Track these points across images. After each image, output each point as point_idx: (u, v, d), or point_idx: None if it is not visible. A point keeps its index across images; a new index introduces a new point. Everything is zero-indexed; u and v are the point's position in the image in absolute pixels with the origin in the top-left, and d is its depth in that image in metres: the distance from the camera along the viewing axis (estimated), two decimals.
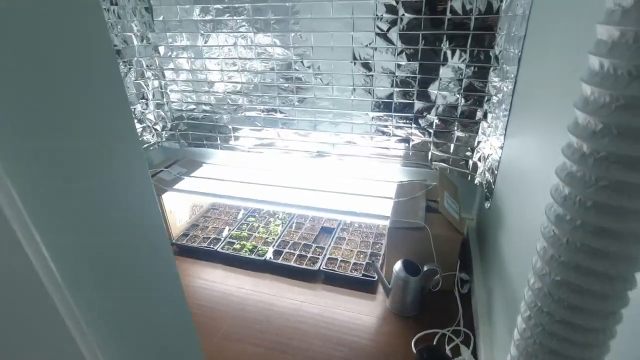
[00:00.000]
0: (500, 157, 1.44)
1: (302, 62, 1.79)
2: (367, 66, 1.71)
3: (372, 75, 1.72)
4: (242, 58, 1.87)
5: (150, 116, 2.17)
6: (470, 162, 1.76)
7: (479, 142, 1.70)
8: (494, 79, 1.53)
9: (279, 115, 1.97)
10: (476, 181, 1.75)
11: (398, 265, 1.48)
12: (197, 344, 0.81)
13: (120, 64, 1.92)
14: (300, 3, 1.65)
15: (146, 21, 1.93)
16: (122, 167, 0.54)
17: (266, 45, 1.80)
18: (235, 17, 1.78)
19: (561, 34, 0.88)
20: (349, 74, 1.75)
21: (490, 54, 1.50)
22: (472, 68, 1.56)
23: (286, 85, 1.88)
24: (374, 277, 1.63)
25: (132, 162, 0.56)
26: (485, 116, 1.63)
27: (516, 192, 1.17)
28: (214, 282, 1.71)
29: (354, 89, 1.78)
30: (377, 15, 1.58)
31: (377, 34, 1.62)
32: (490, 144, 1.60)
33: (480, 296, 1.44)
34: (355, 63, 1.72)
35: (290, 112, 1.94)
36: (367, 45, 1.66)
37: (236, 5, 1.74)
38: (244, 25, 1.78)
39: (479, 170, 1.72)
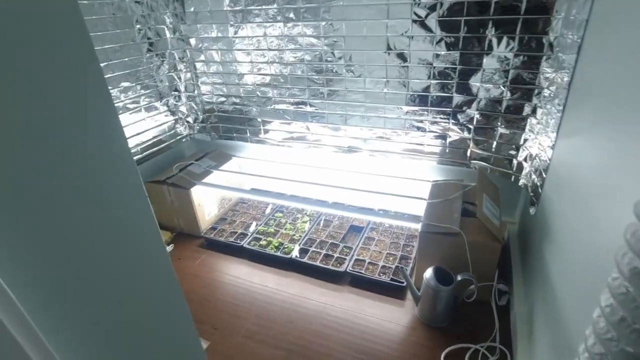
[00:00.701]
0: (550, 159, 1.28)
1: (332, 52, 1.70)
2: (402, 56, 1.59)
3: (407, 67, 1.60)
4: (272, 49, 1.81)
5: (183, 108, 2.18)
6: (515, 162, 1.59)
7: (525, 140, 1.53)
8: (546, 69, 1.36)
9: (308, 109, 1.90)
10: (520, 183, 1.59)
11: (429, 273, 1.38)
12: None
13: (154, 56, 1.93)
14: None
15: (178, 13, 1.92)
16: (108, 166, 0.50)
17: (296, 36, 1.73)
18: (264, 7, 1.71)
19: (637, 16, 0.73)
20: (383, 65, 1.64)
21: (544, 40, 1.33)
22: (521, 57, 1.40)
23: (316, 77, 1.80)
24: (402, 283, 1.54)
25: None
26: (534, 111, 1.46)
27: (570, 202, 1.03)
28: (239, 278, 1.70)
29: (388, 81, 1.67)
30: (414, 0, 1.45)
31: (413, 21, 1.49)
32: (538, 143, 1.44)
33: (520, 311, 1.31)
34: (389, 53, 1.60)
35: (320, 105, 1.87)
36: (402, 34, 1.54)
37: None
38: (273, 15, 1.72)
39: (525, 171, 1.56)
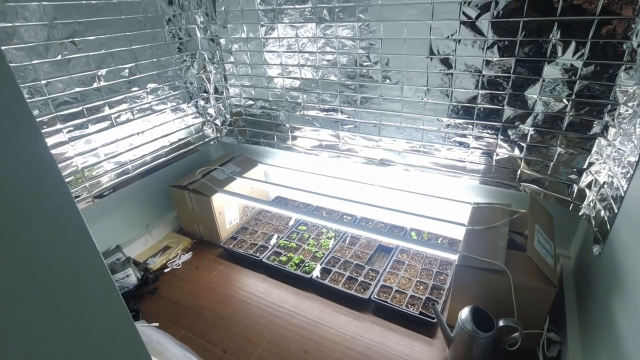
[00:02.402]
0: (626, 190, 1.05)
1: (368, 56, 1.55)
2: (446, 62, 1.40)
3: (452, 74, 1.41)
4: (303, 51, 1.69)
5: (211, 110, 2.11)
6: (575, 188, 1.36)
7: (590, 164, 1.30)
8: (625, 82, 1.13)
9: (340, 116, 1.76)
10: (581, 213, 1.36)
11: (465, 313, 1.19)
12: None
13: (184, 57, 1.88)
14: None
15: (209, 12, 1.85)
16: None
17: (330, 37, 1.59)
18: (297, 6, 1.59)
19: None
20: (424, 71, 1.46)
21: (624, 47, 1.10)
22: (592, 67, 1.17)
23: (349, 82, 1.65)
24: (433, 318, 1.36)
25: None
26: (604, 131, 1.23)
27: None
28: (256, 295, 1.59)
29: (428, 90, 1.49)
30: None
31: (462, 22, 1.31)
32: (609, 169, 1.21)
33: None
34: (432, 58, 1.42)
35: (352, 113, 1.72)
36: (448, 37, 1.36)
37: None
38: (306, 15, 1.59)
39: (587, 200, 1.33)
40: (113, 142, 1.63)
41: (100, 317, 0.51)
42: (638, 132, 1.01)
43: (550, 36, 1.20)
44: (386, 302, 1.44)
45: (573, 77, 1.22)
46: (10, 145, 0.38)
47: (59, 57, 1.39)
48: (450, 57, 1.39)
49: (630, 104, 1.10)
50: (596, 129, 1.25)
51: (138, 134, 1.72)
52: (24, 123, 0.38)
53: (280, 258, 1.71)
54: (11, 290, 0.40)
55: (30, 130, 0.39)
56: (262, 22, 1.72)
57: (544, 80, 1.27)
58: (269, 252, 1.76)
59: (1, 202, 0.37)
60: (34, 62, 1.32)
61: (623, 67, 1.12)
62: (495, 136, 1.45)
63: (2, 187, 0.37)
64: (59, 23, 1.36)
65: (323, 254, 1.72)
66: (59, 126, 1.43)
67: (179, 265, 1.80)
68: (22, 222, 0.40)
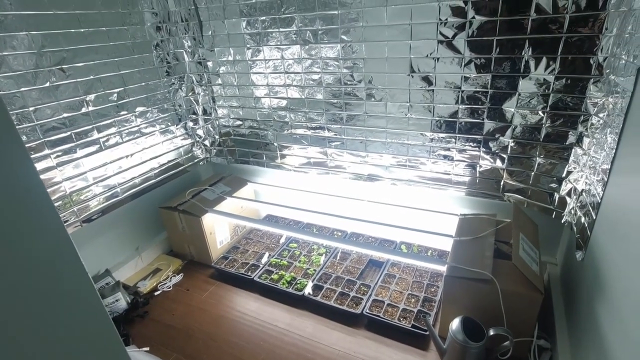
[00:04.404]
0: (602, 197, 1.09)
1: (352, 75, 1.60)
2: (427, 79, 1.46)
3: (433, 90, 1.47)
4: (289, 72, 1.74)
5: (200, 132, 2.14)
6: (556, 196, 1.41)
7: (569, 173, 1.35)
8: (594, 94, 1.19)
9: (327, 134, 1.80)
10: (563, 220, 1.40)
11: (456, 324, 1.20)
12: None
13: (172, 80, 1.91)
14: (351, 10, 1.47)
15: (196, 36, 1.90)
16: None
17: (314, 58, 1.64)
18: (282, 29, 1.65)
19: None
20: (406, 88, 1.52)
21: (591, 61, 1.16)
22: (564, 80, 1.24)
23: (335, 101, 1.70)
24: (425, 331, 1.37)
25: None
26: (579, 141, 1.28)
27: (631, 253, 0.85)
28: (248, 315, 1.58)
29: (411, 106, 1.54)
30: (440, 19, 1.33)
31: (440, 41, 1.37)
32: (586, 177, 1.25)
33: None
34: (413, 76, 1.48)
35: (339, 131, 1.76)
36: (427, 56, 1.42)
37: (283, 15, 1.61)
38: (291, 37, 1.65)
39: (569, 208, 1.37)
40: (102, 165, 1.63)
41: (91, 342, 0.52)
42: (609, 141, 1.06)
43: (523, 53, 1.26)
44: (378, 316, 1.44)
45: (547, 91, 1.28)
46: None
47: (48, 84, 1.40)
48: (431, 74, 1.44)
49: (600, 115, 1.16)
50: (572, 138, 1.30)
51: (127, 156, 1.73)
52: (13, 150, 0.40)
53: (272, 276, 1.71)
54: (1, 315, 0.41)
55: (19, 156, 0.41)
56: (248, 45, 1.77)
57: (519, 94, 1.33)
58: (260, 270, 1.75)
59: None
60: (22, 89, 1.33)
61: (591, 80, 1.18)
62: (477, 149, 1.50)
63: None
64: (47, 51, 1.39)
65: (314, 270, 1.72)
66: (46, 151, 1.43)
67: (170, 287, 1.78)
68: (11, 247, 0.41)
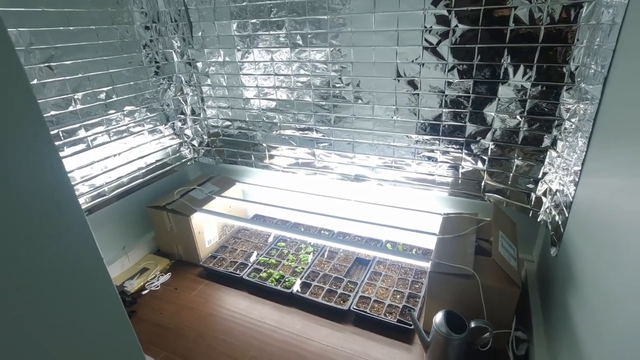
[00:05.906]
0: (573, 197, 1.17)
1: (340, 78, 1.65)
2: (412, 84, 1.52)
3: (418, 94, 1.53)
4: (278, 74, 1.77)
5: (188, 132, 2.14)
6: (533, 196, 1.49)
7: (544, 174, 1.43)
8: (567, 100, 1.27)
9: (315, 135, 1.84)
10: (539, 219, 1.48)
11: (439, 317, 1.26)
12: None
13: (160, 80, 1.91)
14: (340, 15, 1.52)
15: (186, 37, 1.91)
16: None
17: (303, 61, 1.68)
18: (272, 32, 1.68)
19: None
20: (392, 92, 1.57)
21: (564, 70, 1.25)
22: (539, 87, 1.31)
23: (323, 103, 1.74)
24: (410, 325, 1.42)
25: None
26: (554, 144, 1.36)
27: (598, 248, 0.92)
28: (237, 313, 1.60)
29: (397, 109, 1.60)
30: (425, 27, 1.40)
31: (425, 47, 1.43)
32: (560, 177, 1.34)
33: None
34: (399, 80, 1.54)
35: (327, 132, 1.80)
36: (413, 61, 1.48)
37: (273, 19, 1.64)
38: (280, 40, 1.68)
39: (544, 207, 1.45)
40: (88, 164, 1.62)
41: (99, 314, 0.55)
42: (580, 144, 1.14)
43: (502, 60, 1.33)
44: (365, 312, 1.49)
45: (524, 97, 1.36)
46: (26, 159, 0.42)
47: (35, 82, 1.40)
48: (416, 78, 1.50)
49: (572, 120, 1.24)
50: (547, 142, 1.38)
51: (114, 155, 1.73)
52: (46, 149, 0.43)
53: (261, 274, 1.74)
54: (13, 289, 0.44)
55: (47, 145, 0.44)
56: (238, 47, 1.80)
57: (499, 99, 1.40)
58: (249, 269, 1.77)
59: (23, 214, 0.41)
60: None
61: (565, 88, 1.26)
62: (460, 151, 1.57)
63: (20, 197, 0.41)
64: (35, 48, 1.38)
65: (303, 268, 1.76)
66: None
67: (158, 286, 1.78)
68: (39, 242, 0.44)
